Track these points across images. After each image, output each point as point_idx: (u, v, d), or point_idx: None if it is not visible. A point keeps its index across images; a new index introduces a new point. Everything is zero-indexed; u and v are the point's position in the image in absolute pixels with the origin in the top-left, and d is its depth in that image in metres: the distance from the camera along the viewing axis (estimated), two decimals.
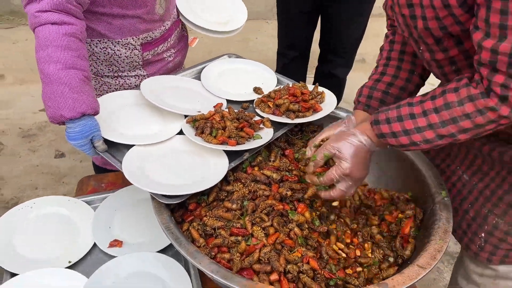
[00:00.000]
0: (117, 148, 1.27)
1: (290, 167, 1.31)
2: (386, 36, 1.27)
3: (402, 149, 1.03)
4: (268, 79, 1.66)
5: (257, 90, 1.57)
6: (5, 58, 3.60)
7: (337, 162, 1.06)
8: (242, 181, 1.23)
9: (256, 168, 1.29)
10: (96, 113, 1.24)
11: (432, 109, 0.94)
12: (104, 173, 1.62)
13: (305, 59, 2.91)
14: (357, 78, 3.08)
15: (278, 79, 1.67)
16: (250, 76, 1.67)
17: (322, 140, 1.16)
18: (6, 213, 1.34)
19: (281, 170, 1.29)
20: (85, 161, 2.63)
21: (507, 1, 0.78)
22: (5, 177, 2.48)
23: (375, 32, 3.32)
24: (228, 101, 1.52)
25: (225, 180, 1.24)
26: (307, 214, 1.16)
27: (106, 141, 1.26)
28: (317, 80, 2.60)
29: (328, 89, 1.54)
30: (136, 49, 1.54)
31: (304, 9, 2.56)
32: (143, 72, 1.62)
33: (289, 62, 2.83)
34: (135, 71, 1.60)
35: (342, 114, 1.49)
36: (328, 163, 1.11)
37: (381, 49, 1.27)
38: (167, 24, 1.62)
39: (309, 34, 2.77)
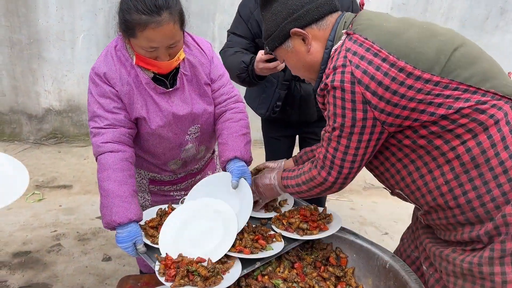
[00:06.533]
0: (153, 252, 1.56)
1: (296, 279, 1.50)
2: None
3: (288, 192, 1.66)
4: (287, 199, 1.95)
5: (276, 209, 1.85)
6: (76, 171, 4.22)
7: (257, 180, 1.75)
8: (252, 287, 1.44)
9: (266, 277, 1.51)
10: (140, 220, 1.56)
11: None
12: (141, 274, 1.88)
13: None
14: None
15: (295, 200, 1.95)
16: None
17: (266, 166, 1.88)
18: None
19: (288, 281, 1.49)
20: (127, 266, 2.91)
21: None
22: (59, 275, 2.80)
23: None
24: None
25: (238, 285, 1.45)
26: None
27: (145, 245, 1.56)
28: None
29: None
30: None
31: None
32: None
33: None
34: None
35: (349, 235, 1.70)
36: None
37: None
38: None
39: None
